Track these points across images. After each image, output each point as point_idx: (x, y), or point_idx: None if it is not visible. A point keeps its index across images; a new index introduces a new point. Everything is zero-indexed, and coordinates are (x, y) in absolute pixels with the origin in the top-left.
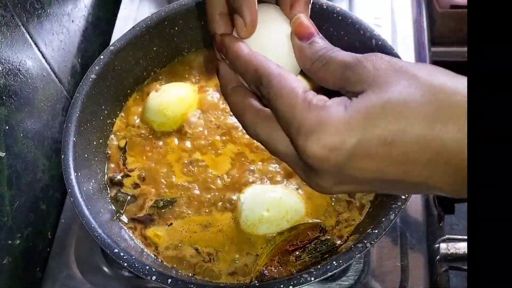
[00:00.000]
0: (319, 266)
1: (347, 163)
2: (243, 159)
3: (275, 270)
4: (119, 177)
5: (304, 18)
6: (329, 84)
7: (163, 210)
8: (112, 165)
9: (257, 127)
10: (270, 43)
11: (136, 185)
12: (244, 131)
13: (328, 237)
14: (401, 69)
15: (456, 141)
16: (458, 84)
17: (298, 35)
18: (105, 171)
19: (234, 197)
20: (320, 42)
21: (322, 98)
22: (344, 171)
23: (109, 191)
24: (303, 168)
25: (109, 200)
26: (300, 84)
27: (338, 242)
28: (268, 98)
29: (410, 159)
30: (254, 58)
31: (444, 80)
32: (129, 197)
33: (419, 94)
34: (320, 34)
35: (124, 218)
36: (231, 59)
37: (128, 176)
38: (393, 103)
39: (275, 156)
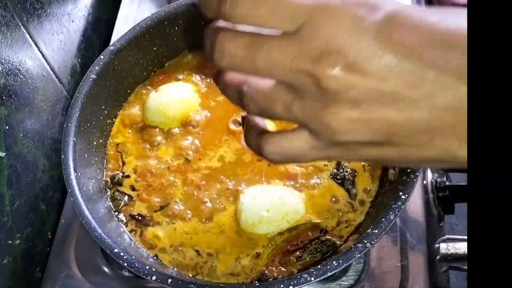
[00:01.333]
0: (319, 266)
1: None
2: (244, 158)
3: (276, 270)
4: (118, 176)
5: None
6: None
7: (161, 211)
8: (112, 165)
9: (255, 49)
10: None
11: (134, 186)
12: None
13: (329, 237)
14: None
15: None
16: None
17: None
18: (105, 171)
19: (235, 197)
20: None
21: None
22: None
23: (108, 191)
24: (315, 88)
25: (109, 200)
26: None
27: (339, 242)
28: None
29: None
30: None
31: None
32: (126, 197)
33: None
34: None
35: (123, 218)
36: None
37: (127, 176)
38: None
39: (274, 93)
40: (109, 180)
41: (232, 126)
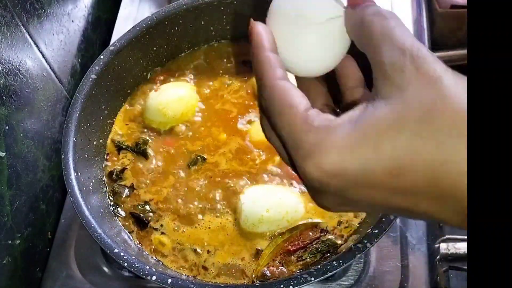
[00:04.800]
0: (319, 266)
1: (349, 190)
2: (243, 156)
3: (277, 271)
4: (117, 172)
5: None
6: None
7: (161, 208)
8: (111, 164)
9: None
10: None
11: (133, 183)
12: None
13: (329, 237)
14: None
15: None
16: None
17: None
18: (104, 170)
19: (235, 197)
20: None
21: (326, 117)
22: (347, 196)
23: (107, 188)
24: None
25: (109, 199)
26: (302, 101)
27: (339, 242)
28: (268, 112)
29: (419, 193)
30: (265, 61)
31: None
32: (126, 190)
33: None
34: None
35: (122, 212)
36: (252, 50)
37: (123, 170)
38: (408, 119)
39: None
40: (107, 176)
41: (240, 126)
